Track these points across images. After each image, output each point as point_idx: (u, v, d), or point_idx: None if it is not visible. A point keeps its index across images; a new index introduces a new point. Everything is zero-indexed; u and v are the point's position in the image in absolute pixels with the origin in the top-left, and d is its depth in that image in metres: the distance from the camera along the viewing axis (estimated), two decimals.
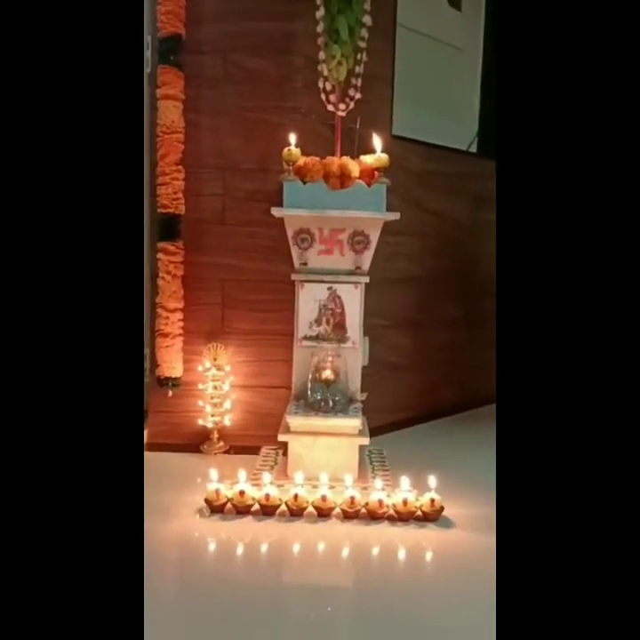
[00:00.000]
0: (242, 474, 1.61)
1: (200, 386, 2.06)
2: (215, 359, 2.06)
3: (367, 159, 1.80)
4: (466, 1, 2.70)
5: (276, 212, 1.78)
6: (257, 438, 2.07)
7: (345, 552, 1.50)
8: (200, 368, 2.06)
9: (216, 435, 2.06)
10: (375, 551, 1.51)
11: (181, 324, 2.06)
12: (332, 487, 1.70)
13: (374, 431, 2.23)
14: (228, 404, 2.07)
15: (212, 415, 2.05)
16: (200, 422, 2.06)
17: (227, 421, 2.07)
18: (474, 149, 2.77)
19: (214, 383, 2.04)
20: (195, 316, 2.10)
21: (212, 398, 2.05)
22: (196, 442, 2.08)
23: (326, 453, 1.79)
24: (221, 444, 2.07)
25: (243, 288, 2.12)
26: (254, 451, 2.03)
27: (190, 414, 2.10)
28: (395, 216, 1.80)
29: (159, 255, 2.02)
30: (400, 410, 2.46)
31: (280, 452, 1.99)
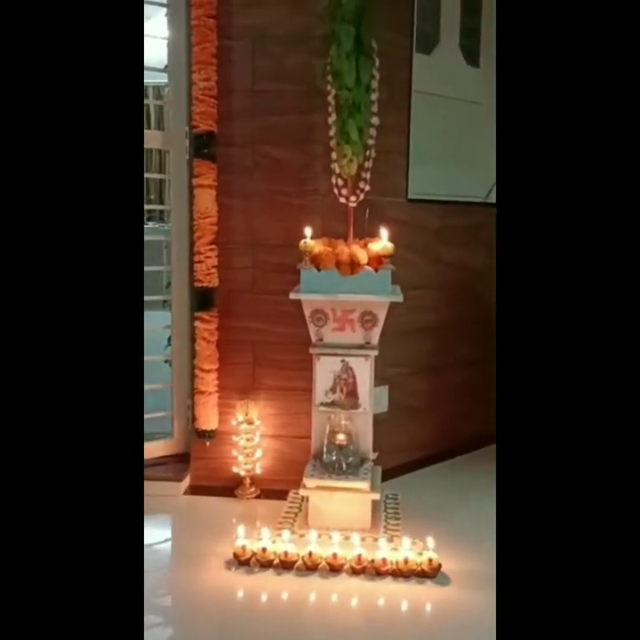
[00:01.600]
0: (265, 532, 1.88)
1: (234, 438, 2.34)
2: (247, 414, 2.33)
3: (375, 247, 2.01)
4: (484, 56, 2.83)
5: (294, 296, 2.02)
6: (285, 482, 2.33)
7: (353, 603, 1.75)
8: (234, 422, 2.34)
9: (248, 481, 2.34)
10: (380, 603, 1.75)
11: (216, 382, 2.34)
12: (346, 538, 1.96)
13: (393, 471, 2.48)
14: (259, 453, 2.34)
15: (245, 464, 2.32)
16: (234, 470, 2.34)
17: (258, 469, 2.34)
18: (493, 197, 2.92)
19: (246, 436, 2.32)
20: (229, 374, 2.37)
21: (244, 449, 2.32)
22: (231, 485, 2.36)
23: (341, 506, 2.04)
24: (253, 489, 2.34)
25: (271, 349, 2.37)
26: (283, 494, 2.29)
27: (227, 461, 2.38)
28: (399, 298, 2.01)
29: (196, 323, 2.30)
30: (418, 449, 2.68)
31: (306, 497, 2.24)
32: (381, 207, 2.32)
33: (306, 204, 2.26)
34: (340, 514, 2.03)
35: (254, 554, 1.85)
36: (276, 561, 1.84)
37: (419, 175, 2.57)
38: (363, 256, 1.99)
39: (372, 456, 2.11)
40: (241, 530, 1.90)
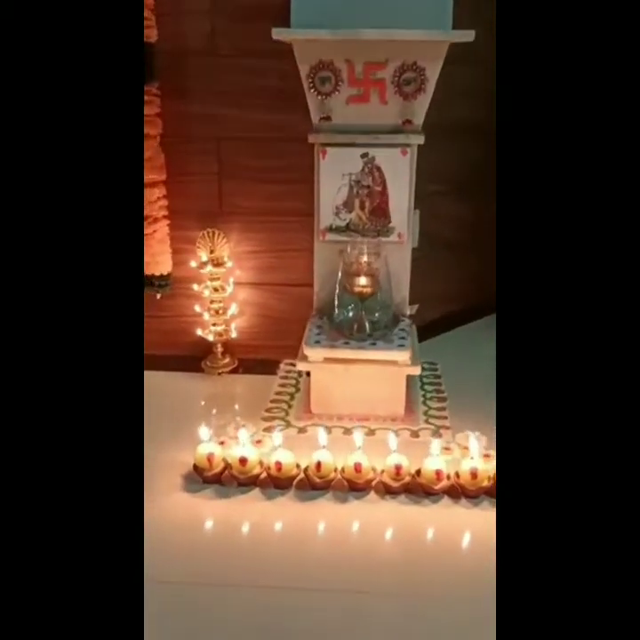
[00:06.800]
0: (243, 434, 1.16)
1: (195, 287, 1.57)
2: (212, 251, 1.54)
3: None
4: None
5: (278, 34, 1.16)
6: (273, 350, 1.63)
7: (388, 539, 1.08)
8: (193, 263, 1.56)
9: (220, 349, 1.61)
10: (429, 537, 1.09)
11: (165, 202, 1.53)
12: (370, 432, 1.28)
13: (424, 331, 1.76)
14: (233, 309, 1.59)
15: (214, 325, 1.58)
16: (199, 333, 1.60)
17: (233, 332, 1.60)
18: None
19: (213, 283, 1.55)
20: (182, 191, 1.56)
21: (211, 303, 1.57)
22: (196, 354, 1.64)
23: (362, 386, 1.33)
24: (227, 360, 1.62)
25: (247, 150, 1.54)
26: (271, 366, 1.60)
27: (186, 319, 1.64)
28: (467, 36, 1.15)
29: None
30: (457, 299, 1.96)
31: (306, 372, 1.54)
32: None
33: None
34: (360, 396, 1.33)
35: (228, 466, 1.15)
36: (263, 476, 1.15)
37: None
38: None
39: (410, 310, 1.37)
40: (204, 431, 1.18)
